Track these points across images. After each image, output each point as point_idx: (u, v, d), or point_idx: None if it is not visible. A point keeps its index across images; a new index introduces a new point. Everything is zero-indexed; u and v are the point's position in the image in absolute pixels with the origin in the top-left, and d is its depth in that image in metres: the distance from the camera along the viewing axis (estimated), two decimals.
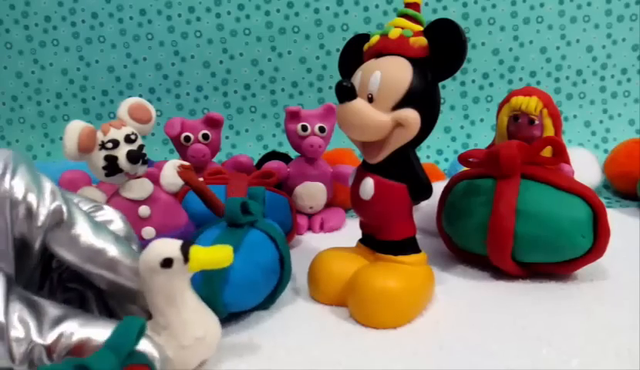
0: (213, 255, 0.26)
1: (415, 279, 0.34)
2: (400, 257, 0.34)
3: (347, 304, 0.34)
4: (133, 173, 0.36)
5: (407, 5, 0.34)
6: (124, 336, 0.23)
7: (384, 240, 0.35)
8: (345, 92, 0.32)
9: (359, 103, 0.32)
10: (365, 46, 0.35)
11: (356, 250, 0.37)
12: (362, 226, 0.37)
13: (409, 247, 0.35)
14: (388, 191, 0.33)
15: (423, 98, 0.32)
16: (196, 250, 0.26)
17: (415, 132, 0.32)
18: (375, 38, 0.34)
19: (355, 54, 0.36)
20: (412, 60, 0.32)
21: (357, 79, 0.33)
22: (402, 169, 0.33)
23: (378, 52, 0.33)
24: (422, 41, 0.32)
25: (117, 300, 0.28)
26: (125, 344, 0.22)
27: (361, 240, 0.38)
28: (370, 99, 0.32)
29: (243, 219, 0.34)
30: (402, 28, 0.32)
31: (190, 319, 0.27)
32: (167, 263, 0.25)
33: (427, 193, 0.34)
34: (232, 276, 0.31)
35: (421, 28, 0.33)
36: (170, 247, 0.25)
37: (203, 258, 0.26)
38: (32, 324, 0.23)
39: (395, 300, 0.32)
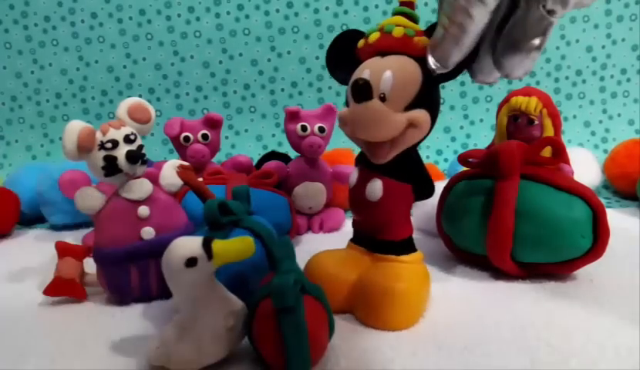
0: (236, 247, 0.26)
1: (418, 278, 0.34)
2: (402, 257, 0.34)
3: (352, 310, 0.34)
4: (132, 173, 0.36)
5: (402, 4, 0.33)
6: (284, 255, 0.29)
7: (386, 240, 0.35)
8: (364, 92, 0.31)
9: (377, 104, 0.31)
10: (361, 43, 0.34)
11: (350, 252, 0.37)
12: (357, 225, 0.37)
13: (408, 246, 0.35)
14: (395, 192, 0.33)
15: (430, 98, 0.32)
16: (218, 245, 0.26)
17: (425, 133, 0.32)
18: (375, 36, 0.33)
19: (345, 50, 0.35)
20: (417, 59, 0.31)
21: (365, 76, 0.32)
22: (408, 169, 0.33)
23: (380, 50, 0.33)
24: (425, 40, 0.31)
25: None
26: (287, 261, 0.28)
27: (352, 240, 0.37)
28: (382, 99, 0.31)
29: (223, 219, 0.34)
30: (405, 27, 0.32)
31: (219, 310, 0.27)
32: (192, 262, 0.25)
33: (431, 191, 0.34)
34: (218, 279, 0.30)
35: (419, 28, 0.33)
36: (192, 245, 0.26)
37: (226, 252, 0.26)
38: None
39: (411, 300, 0.32)
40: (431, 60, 0.30)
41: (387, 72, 0.31)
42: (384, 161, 0.33)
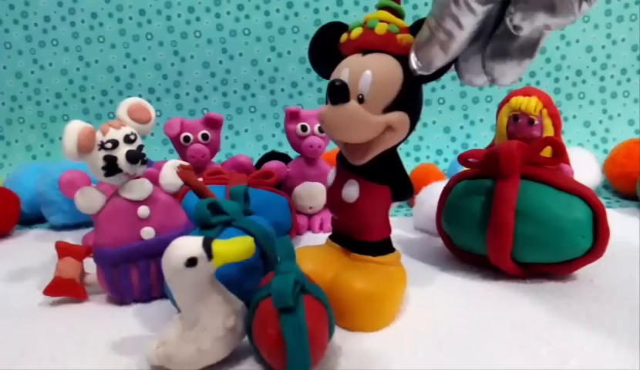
0: (236, 248, 0.26)
1: (392, 281, 0.34)
2: (379, 258, 0.34)
3: None
4: (132, 173, 0.36)
5: None
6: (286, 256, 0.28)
7: (362, 240, 0.35)
8: (340, 93, 0.30)
9: (354, 106, 0.30)
10: (344, 37, 0.33)
11: (328, 249, 0.36)
12: (335, 224, 0.37)
13: (385, 247, 0.35)
14: (372, 194, 0.33)
15: (410, 99, 0.31)
16: (218, 245, 0.26)
17: (404, 135, 0.32)
18: (357, 31, 0.32)
19: (328, 43, 0.34)
20: (399, 58, 0.30)
21: (344, 76, 0.31)
22: (386, 170, 0.33)
23: (362, 47, 0.32)
24: (409, 38, 0.30)
25: None
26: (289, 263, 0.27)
27: (331, 237, 0.37)
28: (360, 100, 0.31)
29: (213, 220, 0.33)
30: (388, 23, 0.31)
31: (219, 311, 0.27)
32: (192, 262, 0.25)
33: (410, 193, 0.34)
34: None
35: (404, 24, 0.31)
36: (192, 245, 0.26)
37: (227, 252, 0.26)
38: None
39: (382, 305, 0.32)
40: (413, 60, 0.29)
41: (366, 72, 0.30)
42: (361, 162, 0.32)
